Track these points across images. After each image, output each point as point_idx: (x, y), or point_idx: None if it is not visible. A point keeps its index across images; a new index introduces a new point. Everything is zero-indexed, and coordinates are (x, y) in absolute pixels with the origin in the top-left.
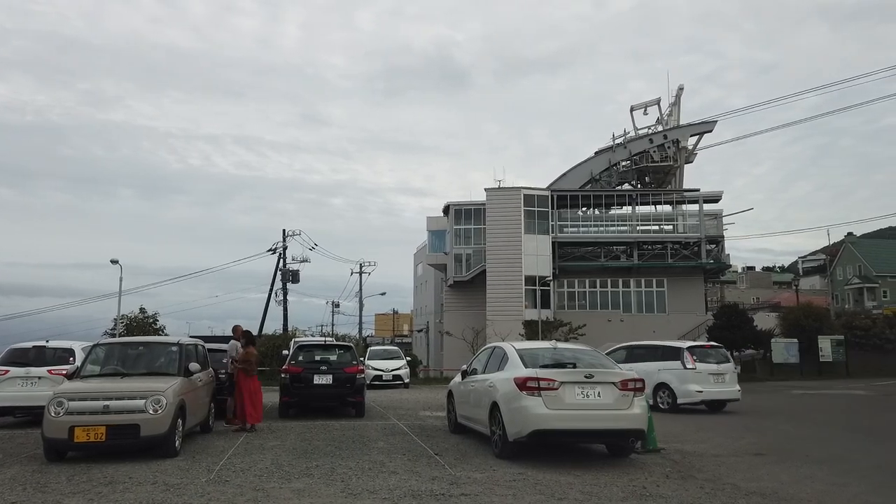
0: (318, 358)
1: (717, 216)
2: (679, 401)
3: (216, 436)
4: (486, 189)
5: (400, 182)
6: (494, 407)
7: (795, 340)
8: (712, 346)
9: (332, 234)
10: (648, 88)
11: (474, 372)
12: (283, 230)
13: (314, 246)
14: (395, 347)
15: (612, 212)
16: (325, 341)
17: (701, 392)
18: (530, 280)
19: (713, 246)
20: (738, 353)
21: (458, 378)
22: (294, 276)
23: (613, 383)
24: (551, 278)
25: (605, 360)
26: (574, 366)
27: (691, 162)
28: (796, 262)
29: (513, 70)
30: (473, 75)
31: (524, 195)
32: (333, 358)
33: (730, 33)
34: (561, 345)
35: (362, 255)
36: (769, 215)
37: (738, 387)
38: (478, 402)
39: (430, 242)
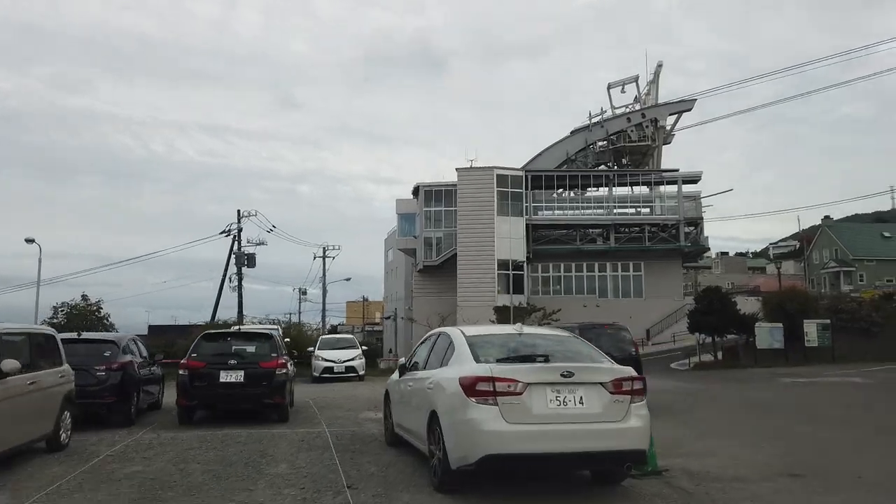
0: (227, 350)
1: (695, 198)
2: None
3: (66, 456)
4: (457, 169)
5: (370, 171)
6: (433, 418)
7: (780, 325)
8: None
9: (302, 223)
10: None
11: (415, 367)
12: (238, 210)
13: (272, 228)
14: (350, 336)
15: (589, 194)
16: (237, 329)
17: None
18: (503, 264)
19: (692, 228)
20: (720, 338)
21: (395, 374)
22: (250, 260)
23: (602, 384)
24: (525, 262)
25: (590, 350)
26: (546, 359)
27: (669, 143)
28: (767, 248)
29: (491, 57)
30: (451, 62)
31: (497, 175)
32: (250, 349)
33: (703, 20)
34: (528, 329)
35: (334, 243)
36: (736, 202)
37: None
38: (415, 407)
39: (399, 226)
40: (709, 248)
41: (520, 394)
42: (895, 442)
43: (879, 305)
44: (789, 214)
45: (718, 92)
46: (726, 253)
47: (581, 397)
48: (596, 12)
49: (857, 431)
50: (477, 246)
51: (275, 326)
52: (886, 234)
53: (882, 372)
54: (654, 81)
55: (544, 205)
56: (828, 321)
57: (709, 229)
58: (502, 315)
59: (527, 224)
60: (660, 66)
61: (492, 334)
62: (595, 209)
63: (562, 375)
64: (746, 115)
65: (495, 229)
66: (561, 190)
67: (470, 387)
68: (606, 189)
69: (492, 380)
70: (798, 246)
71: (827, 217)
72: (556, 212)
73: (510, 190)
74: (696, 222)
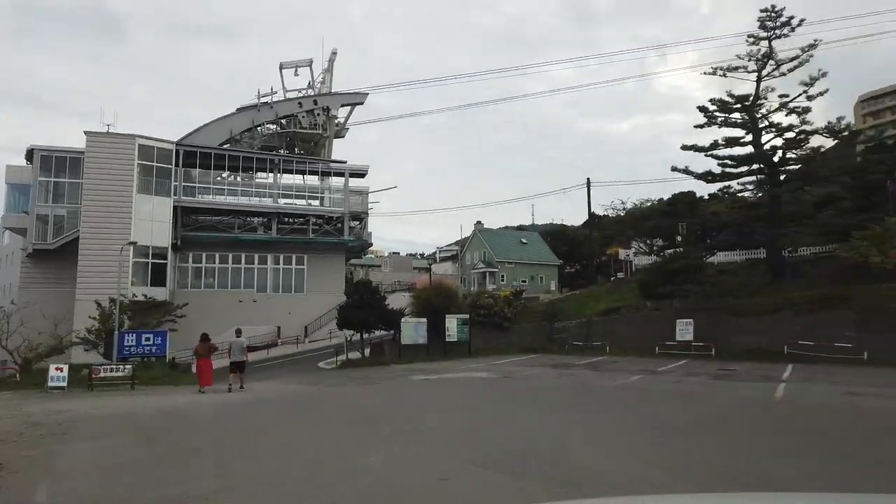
0: None
1: (363, 193)
2: None
3: None
4: (86, 132)
5: (14, 140)
6: None
7: (424, 320)
8: None
9: None
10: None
11: None
12: None
13: None
14: None
15: (254, 179)
16: None
17: None
18: (142, 251)
19: (357, 223)
20: (369, 334)
21: None
22: None
23: None
24: (170, 249)
25: None
26: None
27: (343, 137)
28: (435, 251)
29: (177, 33)
30: (131, 31)
31: (140, 146)
32: None
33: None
34: None
35: None
36: (411, 207)
37: None
38: None
39: (8, 199)
40: (371, 244)
41: None
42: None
43: (511, 302)
44: (457, 223)
45: (391, 90)
46: (398, 253)
47: None
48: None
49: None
50: (108, 227)
51: None
52: (524, 241)
53: (507, 365)
54: (329, 70)
55: (199, 185)
56: (467, 316)
57: (384, 232)
58: (137, 311)
59: (175, 206)
60: (335, 53)
61: None
62: (259, 195)
63: None
64: (423, 130)
65: (133, 208)
66: (222, 172)
67: None
68: (272, 175)
69: None
70: (459, 249)
71: (479, 222)
72: (215, 195)
73: (156, 164)
74: (361, 217)
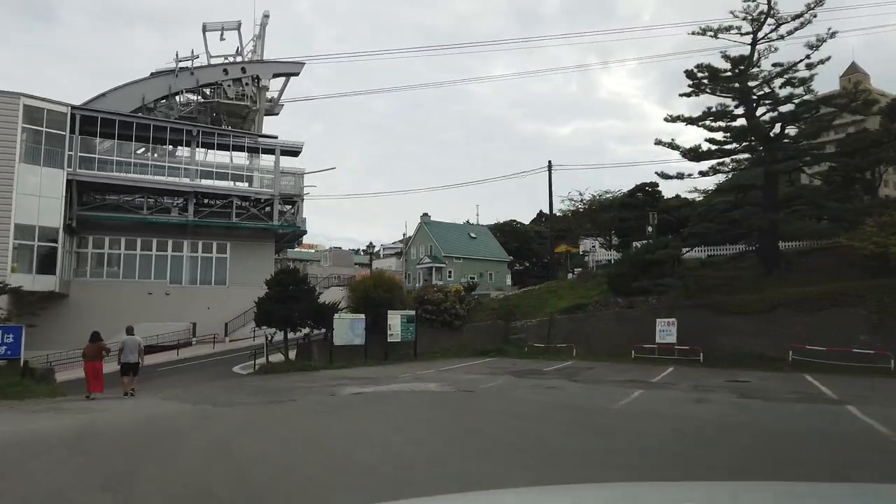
0: None
1: (296, 174)
2: None
3: None
4: None
5: None
6: None
7: (362, 316)
8: None
9: None
10: None
11: None
12: None
13: None
14: None
15: (169, 155)
16: None
17: None
18: (26, 231)
19: (289, 207)
20: (295, 332)
21: None
22: None
23: None
24: (63, 231)
25: None
26: None
27: (276, 114)
28: (379, 249)
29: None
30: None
31: (25, 106)
32: None
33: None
34: None
35: None
36: (352, 205)
37: None
38: None
39: None
40: (306, 231)
41: None
42: None
43: (463, 298)
44: (401, 222)
45: (328, 61)
46: (339, 248)
47: None
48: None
49: None
50: None
51: None
52: (473, 235)
53: (462, 371)
54: (261, 37)
55: (99, 157)
56: (413, 313)
57: (324, 228)
58: (17, 304)
59: (70, 180)
60: (266, 16)
61: None
62: (173, 172)
63: None
64: (366, 128)
65: (16, 181)
66: (131, 143)
67: None
68: (190, 150)
69: None
70: (403, 247)
71: (426, 214)
72: (119, 169)
73: (46, 130)
74: (295, 201)
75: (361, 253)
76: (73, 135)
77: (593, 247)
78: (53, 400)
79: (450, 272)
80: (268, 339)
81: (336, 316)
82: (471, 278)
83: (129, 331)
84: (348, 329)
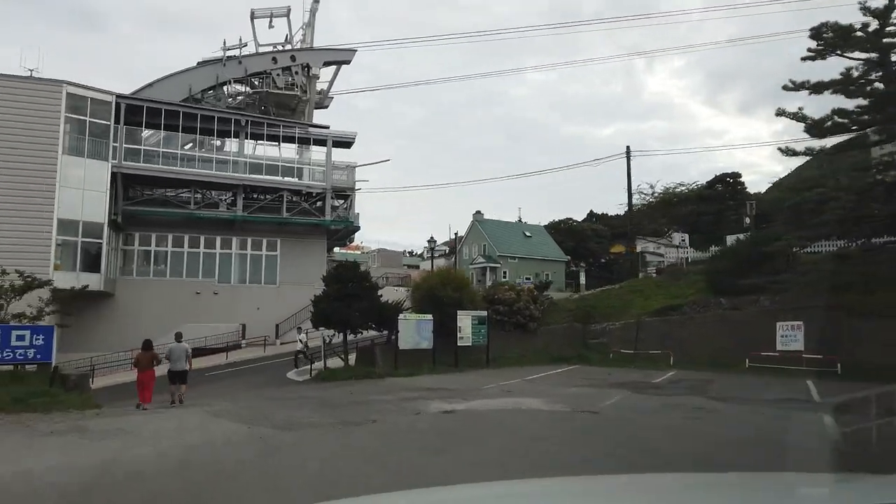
0: None
1: (349, 167)
2: None
3: None
4: None
5: None
6: None
7: (430, 317)
8: None
9: None
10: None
11: None
12: None
13: None
14: None
15: (216, 149)
16: None
17: None
18: (70, 227)
19: (341, 202)
20: (355, 335)
21: None
22: None
23: None
24: (108, 227)
25: None
26: None
27: (326, 107)
28: (423, 251)
29: None
30: None
31: (69, 94)
32: None
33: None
34: None
35: None
36: (392, 208)
37: None
38: None
39: None
40: (359, 227)
41: None
42: None
43: (536, 298)
44: (445, 224)
45: (386, 49)
46: (387, 249)
47: None
48: None
49: None
50: (24, 194)
51: None
52: (528, 234)
53: (554, 383)
54: (311, 24)
55: (145, 149)
56: (485, 313)
57: (370, 233)
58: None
59: (115, 173)
60: (317, 1)
61: None
62: (221, 165)
63: None
64: (401, 132)
65: (59, 173)
66: (178, 134)
67: None
68: (238, 141)
69: None
70: (451, 248)
71: (478, 212)
72: (166, 162)
73: (90, 119)
74: (347, 194)
75: (408, 255)
76: (117, 125)
77: (683, 240)
78: (83, 413)
79: (504, 272)
80: (325, 341)
81: (401, 316)
82: (526, 279)
83: (178, 337)
84: (414, 331)
